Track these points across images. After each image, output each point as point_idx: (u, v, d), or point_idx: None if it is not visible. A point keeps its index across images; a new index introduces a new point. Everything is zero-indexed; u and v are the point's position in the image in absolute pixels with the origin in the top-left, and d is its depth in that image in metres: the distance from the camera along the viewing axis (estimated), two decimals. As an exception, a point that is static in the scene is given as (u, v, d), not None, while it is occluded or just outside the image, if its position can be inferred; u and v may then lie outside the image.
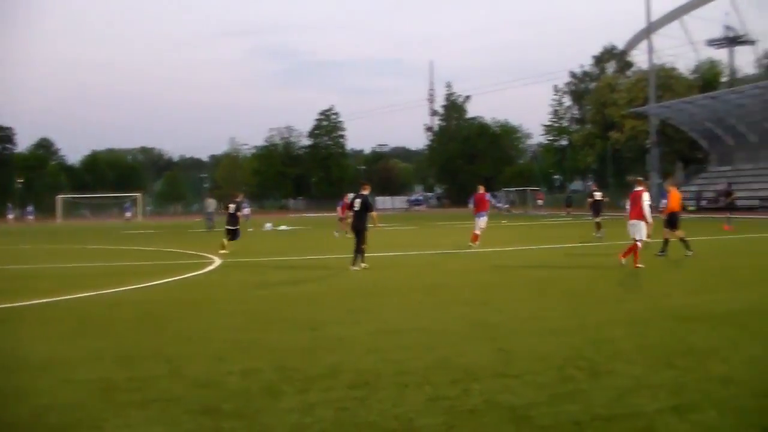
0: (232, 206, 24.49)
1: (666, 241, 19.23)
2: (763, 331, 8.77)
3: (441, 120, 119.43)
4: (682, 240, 18.96)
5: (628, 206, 17.39)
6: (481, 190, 24.75)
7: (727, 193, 36.17)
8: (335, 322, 10.01)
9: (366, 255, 17.51)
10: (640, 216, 16.80)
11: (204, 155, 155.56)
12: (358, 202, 18.08)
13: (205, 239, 32.43)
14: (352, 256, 17.65)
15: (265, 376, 6.94)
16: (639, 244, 16.62)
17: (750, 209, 53.58)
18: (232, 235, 24.04)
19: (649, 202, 16.95)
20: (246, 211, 61.83)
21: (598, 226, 27.49)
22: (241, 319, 10.45)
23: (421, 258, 20.54)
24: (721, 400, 5.89)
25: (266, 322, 10.27)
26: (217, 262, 19.98)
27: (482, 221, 23.80)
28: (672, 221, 19.31)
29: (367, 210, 17.98)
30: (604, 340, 8.36)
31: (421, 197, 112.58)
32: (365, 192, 18.29)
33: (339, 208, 34.43)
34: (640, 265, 16.15)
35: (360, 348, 8.17)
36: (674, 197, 19.57)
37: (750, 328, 8.91)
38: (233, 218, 24.21)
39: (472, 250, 22.22)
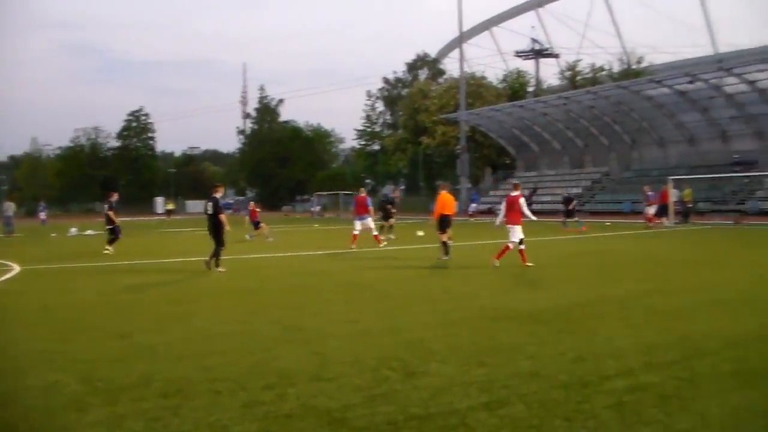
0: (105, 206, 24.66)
1: (444, 244, 19.86)
2: (566, 327, 9.21)
3: (254, 123, 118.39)
4: (443, 243, 19.60)
5: (503, 209, 18.16)
6: (363, 193, 25.68)
7: (568, 200, 38.07)
8: (146, 329, 9.66)
9: (178, 260, 17.14)
10: (518, 220, 17.63)
11: (2, 156, 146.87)
12: (210, 206, 17.77)
13: (2, 245, 30.64)
14: (209, 258, 17.51)
15: (70, 389, 6.61)
16: (511, 246, 17.55)
17: (553, 213, 56.45)
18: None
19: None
20: (42, 215, 59.13)
21: (390, 229, 29.04)
22: (43, 330, 9.90)
23: (236, 263, 20.29)
24: (528, 394, 6.16)
25: (71, 331, 9.75)
26: (17, 269, 18.93)
27: (367, 222, 24.84)
28: (442, 224, 19.88)
29: (217, 212, 17.65)
30: (416, 340, 8.54)
31: (231, 201, 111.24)
32: (217, 194, 17.98)
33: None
34: (529, 264, 17.26)
35: (172, 355, 7.94)
36: (446, 201, 20.23)
37: (553, 326, 9.35)
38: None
39: (350, 251, 23.01)
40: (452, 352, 7.85)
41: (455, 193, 75.71)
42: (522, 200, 17.91)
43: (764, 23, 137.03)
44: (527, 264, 17.21)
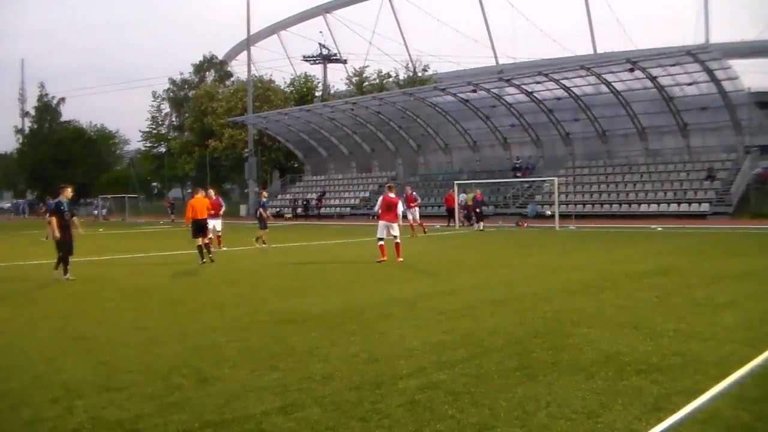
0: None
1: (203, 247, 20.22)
2: (357, 329, 9.35)
3: (33, 122, 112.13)
4: (199, 248, 20.16)
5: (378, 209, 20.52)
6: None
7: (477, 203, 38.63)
8: None
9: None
10: (395, 218, 19.91)
11: None
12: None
13: None
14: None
15: None
16: (399, 240, 20.09)
17: (341, 216, 57.34)
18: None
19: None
20: None
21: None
22: None
23: (11, 270, 19.15)
24: (323, 397, 6.21)
25: None
26: None
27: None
28: (197, 229, 20.35)
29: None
30: (207, 346, 8.42)
31: (8, 204, 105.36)
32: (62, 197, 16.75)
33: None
34: (401, 259, 19.38)
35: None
36: (196, 206, 20.61)
37: (344, 328, 9.47)
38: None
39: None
40: (244, 357, 7.80)
41: (244, 195, 75.61)
42: (400, 203, 20.67)
43: (540, 39, 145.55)
44: (399, 259, 19.37)
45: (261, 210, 27.43)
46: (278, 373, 7.06)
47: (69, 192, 17.01)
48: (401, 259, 19.18)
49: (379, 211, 20.13)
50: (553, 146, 57.49)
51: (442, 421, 5.54)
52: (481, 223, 38.11)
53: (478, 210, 38.70)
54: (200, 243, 19.79)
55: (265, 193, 32.40)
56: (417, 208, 33.84)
